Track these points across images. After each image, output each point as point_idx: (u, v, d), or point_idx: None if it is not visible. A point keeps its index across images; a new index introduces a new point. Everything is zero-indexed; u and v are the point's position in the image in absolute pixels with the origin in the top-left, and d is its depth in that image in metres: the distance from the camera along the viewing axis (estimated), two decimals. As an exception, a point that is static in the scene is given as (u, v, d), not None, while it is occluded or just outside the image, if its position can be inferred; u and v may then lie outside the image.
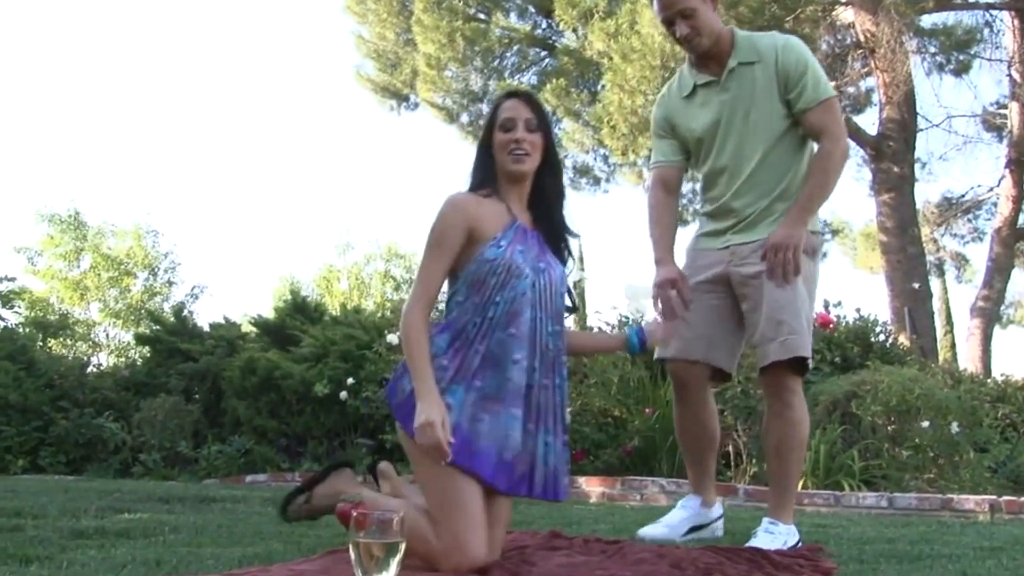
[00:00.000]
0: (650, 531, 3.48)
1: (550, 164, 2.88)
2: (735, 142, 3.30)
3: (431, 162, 55.85)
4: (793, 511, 3.33)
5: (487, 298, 2.67)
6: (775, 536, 3.15)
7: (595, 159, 16.16)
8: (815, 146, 3.34)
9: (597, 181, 16.30)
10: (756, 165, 3.28)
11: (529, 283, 2.70)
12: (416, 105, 16.89)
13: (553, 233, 2.89)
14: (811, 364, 3.30)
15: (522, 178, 2.82)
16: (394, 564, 1.66)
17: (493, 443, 2.59)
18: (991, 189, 17.29)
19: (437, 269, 2.70)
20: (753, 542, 3.13)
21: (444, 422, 2.50)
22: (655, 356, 3.54)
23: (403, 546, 1.68)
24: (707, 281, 3.35)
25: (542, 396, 2.69)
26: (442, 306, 2.86)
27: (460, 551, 2.44)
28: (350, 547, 1.69)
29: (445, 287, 2.81)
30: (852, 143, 15.45)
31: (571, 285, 2.93)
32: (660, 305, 3.32)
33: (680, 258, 3.49)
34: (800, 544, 3.18)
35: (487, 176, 2.83)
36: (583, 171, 16.31)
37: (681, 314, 3.28)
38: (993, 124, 16.72)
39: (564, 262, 2.90)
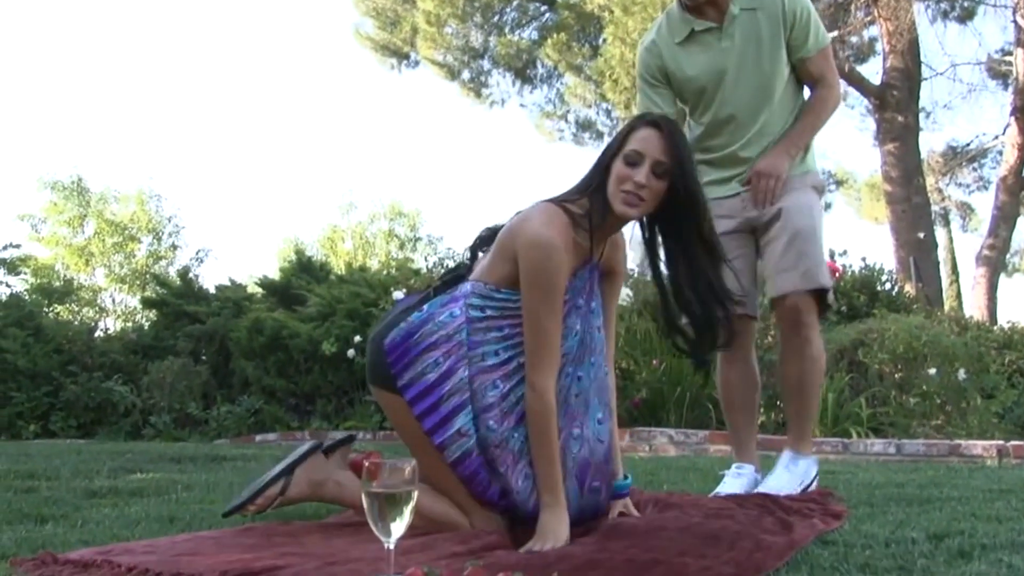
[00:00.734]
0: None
1: (673, 221, 2.43)
2: (743, 91, 3.21)
3: (433, 120, 55.58)
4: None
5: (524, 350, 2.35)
6: (792, 475, 3.16)
7: (598, 113, 16.06)
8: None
9: (600, 135, 16.20)
10: (765, 113, 3.22)
11: (577, 341, 2.41)
12: (416, 63, 16.77)
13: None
14: (832, 300, 3.26)
15: (623, 222, 2.45)
16: (407, 512, 1.66)
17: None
18: (996, 137, 17.18)
19: (554, 326, 2.31)
20: (771, 479, 3.14)
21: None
22: None
23: (416, 494, 1.68)
24: (727, 233, 3.14)
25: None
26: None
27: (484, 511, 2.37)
28: (363, 496, 1.69)
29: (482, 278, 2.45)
30: (856, 93, 15.36)
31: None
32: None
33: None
34: (817, 477, 3.25)
35: (597, 206, 2.39)
36: (585, 126, 16.22)
37: None
38: (998, 72, 16.58)
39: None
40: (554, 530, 2.23)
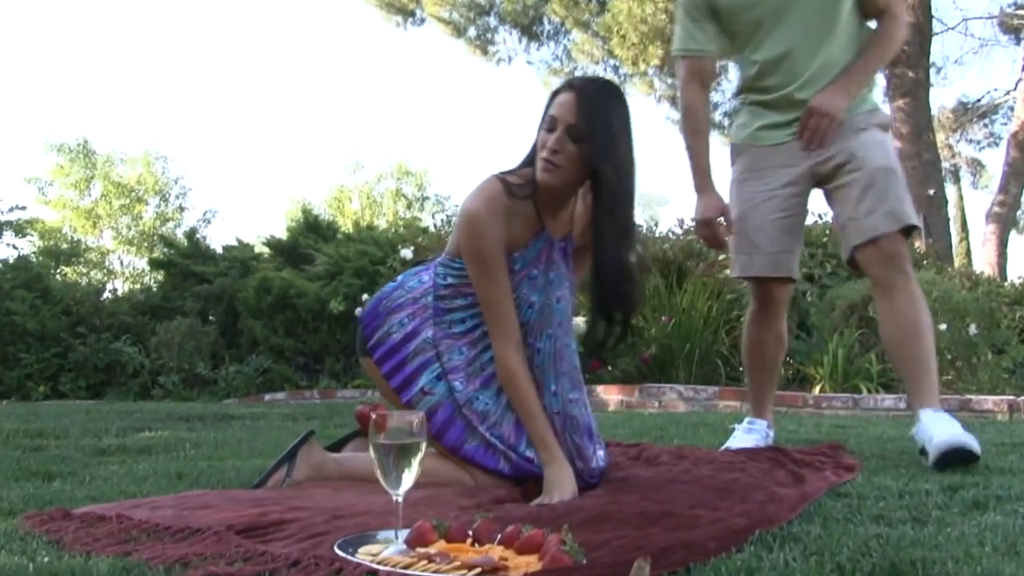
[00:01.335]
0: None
1: (603, 187, 2.34)
2: (803, 23, 2.91)
3: (439, 78, 55.24)
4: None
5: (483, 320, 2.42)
6: (945, 420, 2.75)
7: (605, 70, 15.86)
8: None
9: (607, 93, 16.06)
10: (826, 51, 2.93)
11: (535, 311, 2.42)
12: (423, 20, 16.59)
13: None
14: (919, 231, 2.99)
15: (549, 191, 2.38)
16: (416, 464, 1.64)
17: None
18: (1008, 93, 17.02)
19: (501, 294, 2.35)
20: (939, 430, 2.69)
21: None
22: (734, 274, 3.21)
23: (424, 445, 1.66)
24: (784, 186, 2.99)
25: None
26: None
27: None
28: (371, 449, 1.67)
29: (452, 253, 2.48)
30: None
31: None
32: (706, 241, 3.12)
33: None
34: None
35: (533, 167, 2.37)
36: (593, 83, 16.05)
37: (724, 245, 3.11)
38: (1010, 26, 16.38)
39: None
40: (559, 483, 2.25)
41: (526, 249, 2.40)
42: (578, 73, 15.67)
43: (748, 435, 3.19)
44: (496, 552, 1.54)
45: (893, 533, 1.70)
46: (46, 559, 1.58)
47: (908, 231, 2.89)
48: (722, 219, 3.01)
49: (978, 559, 1.48)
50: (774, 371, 3.28)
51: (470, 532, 1.62)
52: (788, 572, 1.45)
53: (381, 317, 2.49)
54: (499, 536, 1.60)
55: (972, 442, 2.59)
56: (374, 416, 1.67)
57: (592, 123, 2.29)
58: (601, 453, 2.48)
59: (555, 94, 2.36)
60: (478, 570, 1.43)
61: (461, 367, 2.42)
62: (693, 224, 3.16)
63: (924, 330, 2.86)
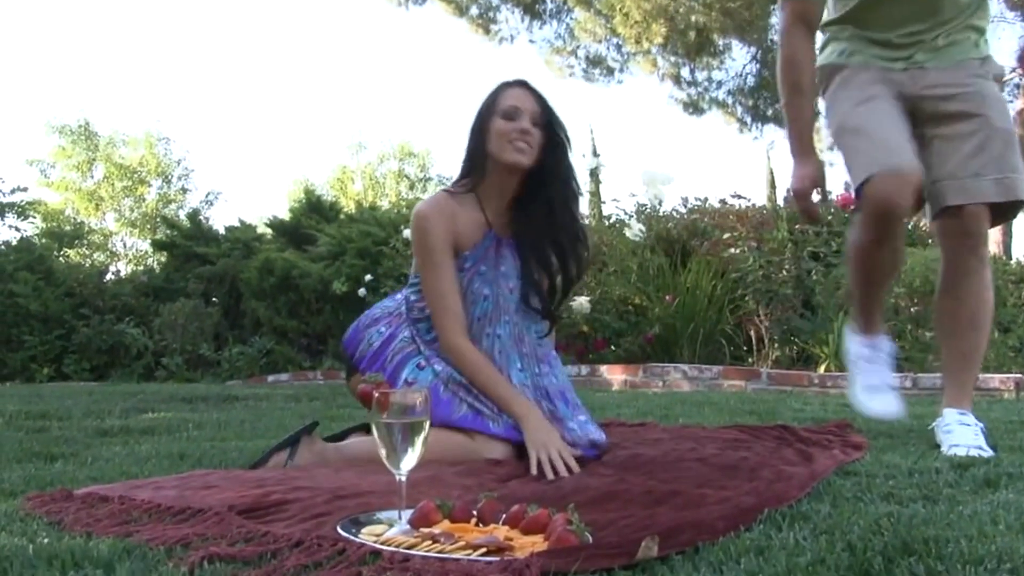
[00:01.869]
0: (875, 403, 2.84)
1: (553, 164, 2.58)
2: None
3: (441, 58, 55.07)
4: None
5: None
6: (970, 426, 2.58)
7: (608, 48, 15.77)
8: None
9: (611, 71, 15.95)
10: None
11: (490, 303, 2.59)
12: (424, -1, 16.49)
13: (537, 238, 2.62)
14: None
15: (517, 171, 2.56)
16: (419, 443, 1.62)
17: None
18: (1013, 70, 16.87)
19: (446, 286, 2.53)
20: (955, 441, 2.52)
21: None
22: (862, 177, 2.52)
23: (427, 424, 1.63)
24: (889, 98, 2.63)
25: None
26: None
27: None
28: (373, 428, 1.65)
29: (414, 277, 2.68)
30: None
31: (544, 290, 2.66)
32: (803, 214, 2.78)
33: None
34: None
35: (477, 167, 2.59)
36: (596, 61, 15.95)
37: (819, 218, 2.93)
38: (1017, 2, 16.23)
39: (549, 263, 2.63)
40: (541, 438, 2.35)
41: (475, 248, 2.59)
42: (580, 52, 15.60)
43: (880, 364, 2.92)
44: (501, 532, 1.52)
45: (904, 511, 1.68)
46: (46, 540, 1.56)
47: (1015, 209, 2.59)
48: (817, 192, 2.72)
49: (992, 537, 1.46)
50: (885, 289, 2.97)
51: (474, 512, 1.61)
52: (798, 551, 1.43)
53: (361, 332, 2.67)
54: (504, 516, 1.59)
55: (987, 451, 2.46)
56: (377, 395, 1.64)
57: (549, 112, 2.57)
58: (583, 418, 2.57)
59: (500, 91, 2.58)
60: (483, 550, 1.41)
61: (440, 354, 2.57)
62: (788, 194, 2.97)
63: (982, 324, 2.66)
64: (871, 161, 2.49)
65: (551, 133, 2.57)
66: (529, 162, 2.53)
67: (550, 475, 2.22)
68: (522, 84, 2.60)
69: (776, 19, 14.49)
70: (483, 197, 2.60)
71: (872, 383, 2.87)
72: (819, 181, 2.71)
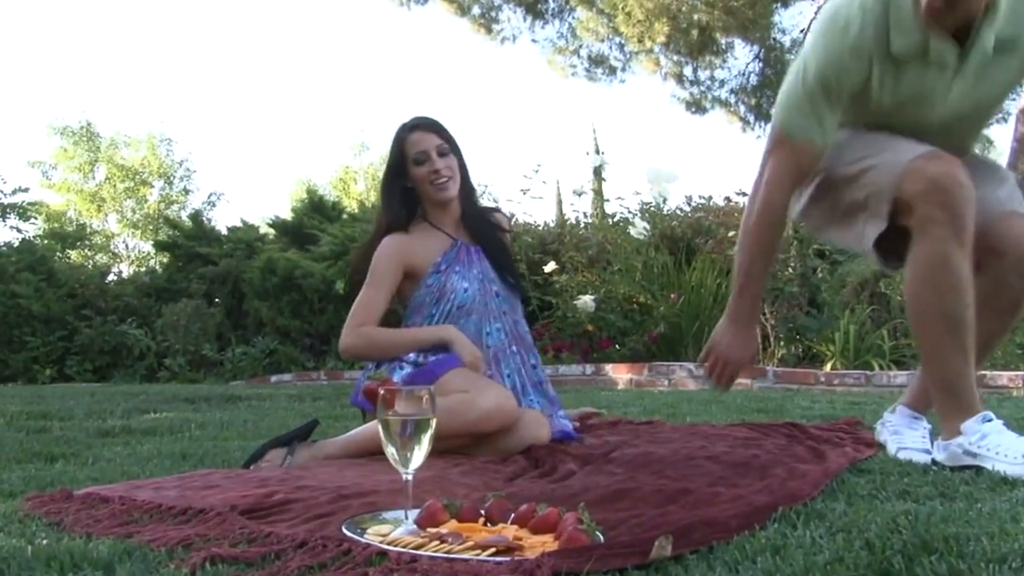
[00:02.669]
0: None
1: (466, 180, 2.97)
2: (953, 140, 2.29)
3: (443, 57, 55.07)
4: None
5: (425, 314, 2.88)
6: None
7: (610, 48, 15.70)
8: None
9: (613, 71, 15.88)
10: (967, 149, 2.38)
11: (470, 295, 2.87)
12: (426, -2, 16.45)
13: (490, 239, 3.00)
14: None
15: (450, 203, 2.94)
16: (426, 440, 1.58)
17: None
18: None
19: (375, 298, 2.84)
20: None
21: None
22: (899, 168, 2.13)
23: (434, 421, 1.60)
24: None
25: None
26: None
27: (498, 409, 2.57)
28: (379, 425, 1.61)
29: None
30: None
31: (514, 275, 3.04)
32: (723, 384, 2.46)
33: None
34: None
35: (411, 211, 2.96)
36: (598, 61, 15.88)
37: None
38: None
39: (507, 265, 3.00)
40: (469, 348, 2.75)
41: (445, 254, 2.90)
42: (583, 52, 15.55)
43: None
44: (510, 532, 1.49)
45: (922, 509, 1.64)
46: (45, 541, 1.54)
47: None
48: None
49: (1014, 535, 1.42)
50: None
51: (482, 511, 1.57)
52: (815, 549, 1.39)
53: (362, 375, 2.91)
54: (513, 515, 1.56)
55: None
56: (382, 392, 1.61)
57: (447, 137, 2.91)
58: (561, 413, 2.94)
59: (402, 141, 2.91)
60: (492, 550, 1.38)
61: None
62: (702, 361, 2.49)
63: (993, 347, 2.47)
64: (905, 152, 2.17)
65: (456, 153, 2.92)
66: (455, 193, 2.91)
67: (484, 371, 2.76)
68: (416, 126, 2.93)
69: (779, 17, 14.40)
70: (437, 223, 2.96)
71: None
72: (756, 356, 2.51)
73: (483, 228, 3.01)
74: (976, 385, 2.20)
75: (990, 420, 2.13)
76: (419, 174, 2.88)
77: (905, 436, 2.45)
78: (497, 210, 3.22)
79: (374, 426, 2.50)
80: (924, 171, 2.08)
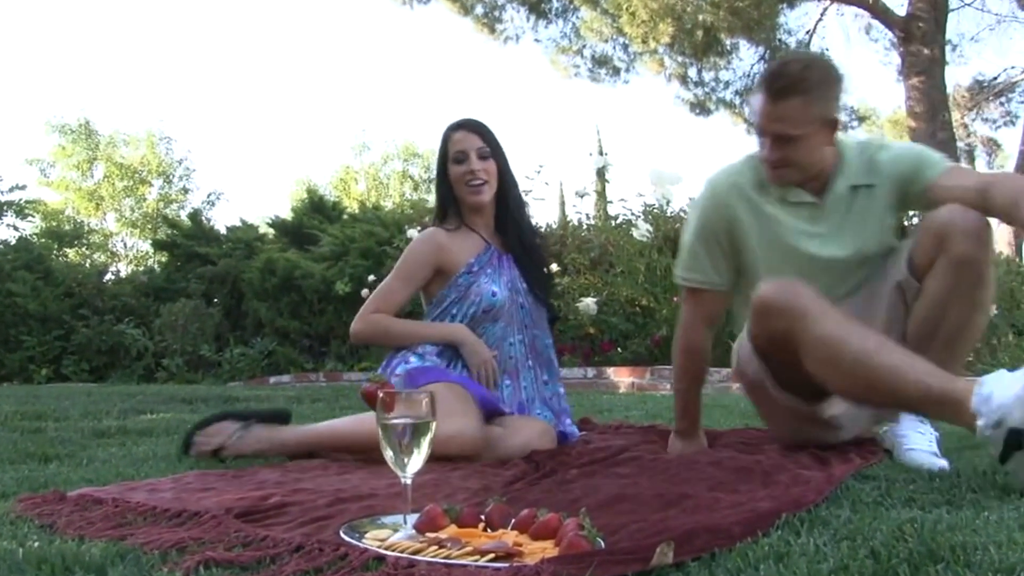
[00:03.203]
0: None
1: (506, 187, 2.95)
2: (848, 280, 2.52)
3: (446, 57, 55.13)
4: None
5: (446, 311, 2.87)
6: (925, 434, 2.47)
7: (614, 48, 15.71)
8: None
9: (617, 71, 15.88)
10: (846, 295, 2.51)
11: (499, 300, 2.85)
12: (429, -2, 16.43)
13: (524, 252, 2.98)
14: None
15: (482, 207, 2.93)
16: (425, 444, 1.56)
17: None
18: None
19: (399, 291, 2.87)
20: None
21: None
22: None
23: (434, 425, 1.58)
24: None
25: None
26: None
27: (458, 434, 2.46)
28: (379, 429, 1.59)
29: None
30: (880, 25, 15.05)
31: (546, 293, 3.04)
32: None
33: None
34: None
35: (450, 208, 2.96)
36: (602, 61, 15.89)
37: None
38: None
39: (539, 279, 3.00)
40: (479, 358, 2.78)
41: (479, 256, 2.89)
42: (586, 52, 15.55)
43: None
44: (510, 537, 1.47)
45: (928, 517, 1.62)
46: (36, 544, 1.52)
47: None
48: None
49: (1022, 545, 1.40)
50: None
51: (482, 516, 1.55)
52: (819, 557, 1.37)
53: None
54: (513, 520, 1.53)
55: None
56: (382, 394, 1.59)
57: (491, 140, 2.90)
58: (568, 421, 2.96)
59: (446, 140, 2.92)
60: (491, 556, 1.35)
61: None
62: None
63: None
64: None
65: (498, 158, 2.91)
66: (488, 197, 2.90)
67: (490, 385, 2.75)
68: (461, 125, 2.94)
69: (785, 18, 14.39)
70: (472, 226, 2.95)
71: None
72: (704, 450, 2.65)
73: (518, 238, 2.98)
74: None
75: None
76: (456, 173, 2.89)
77: (911, 438, 2.43)
78: (540, 235, 3.20)
79: (336, 424, 2.69)
80: (757, 305, 2.28)
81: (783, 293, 2.21)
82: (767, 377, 2.44)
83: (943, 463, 2.30)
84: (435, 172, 3.03)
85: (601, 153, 9.47)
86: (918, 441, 2.43)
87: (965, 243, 2.22)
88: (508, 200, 2.96)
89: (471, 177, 2.86)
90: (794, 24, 15.01)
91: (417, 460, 1.57)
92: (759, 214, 2.50)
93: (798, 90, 2.33)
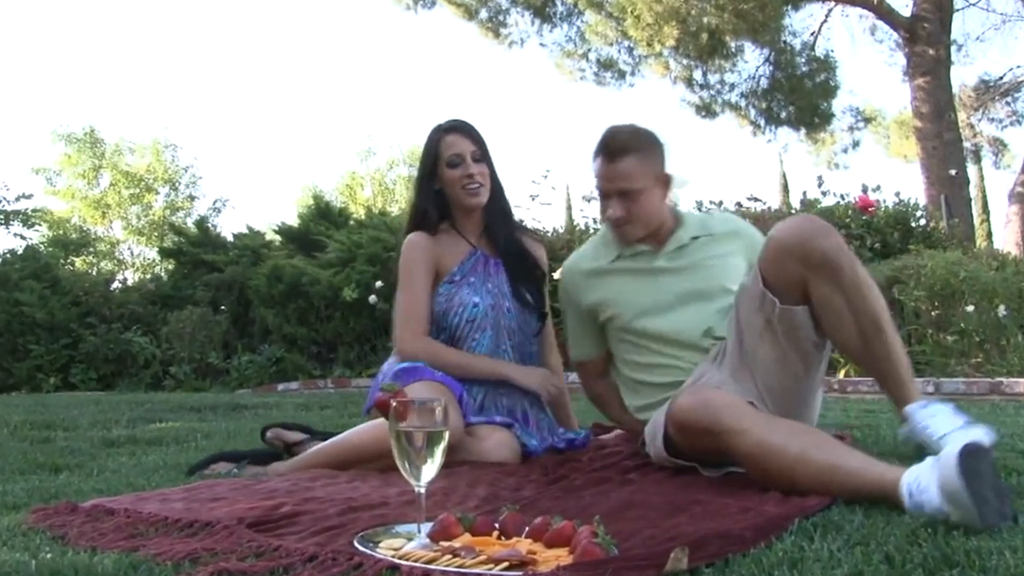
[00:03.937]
0: None
1: (496, 191, 2.94)
2: (701, 316, 2.66)
3: (450, 62, 55.15)
4: None
5: (436, 327, 2.86)
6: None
7: (619, 51, 15.67)
8: None
9: (622, 74, 15.84)
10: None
11: (481, 310, 2.84)
12: (433, 3, 16.33)
13: (512, 257, 2.95)
14: None
15: (478, 209, 2.91)
16: (439, 452, 1.55)
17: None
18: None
19: (423, 300, 2.84)
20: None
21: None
22: None
23: (447, 434, 1.57)
24: None
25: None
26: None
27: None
28: (392, 438, 1.58)
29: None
30: (885, 26, 15.01)
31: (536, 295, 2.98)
32: None
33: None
34: None
35: (440, 210, 2.93)
36: (607, 64, 15.85)
37: None
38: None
39: (527, 283, 2.95)
40: (535, 381, 2.85)
41: (462, 264, 2.88)
42: (591, 55, 15.53)
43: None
44: (524, 545, 1.47)
45: (942, 522, 1.60)
46: (49, 555, 1.52)
47: None
48: None
49: (1038, 549, 1.39)
50: None
51: (496, 525, 1.55)
52: (833, 563, 1.37)
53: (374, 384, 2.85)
54: (527, 529, 1.53)
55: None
56: (394, 403, 1.58)
57: (482, 144, 2.89)
58: (562, 430, 2.95)
59: (438, 141, 2.89)
60: (505, 564, 1.35)
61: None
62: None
63: None
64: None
65: (488, 162, 2.90)
66: (485, 199, 2.88)
67: (552, 385, 2.89)
68: (454, 127, 2.92)
69: (789, 20, 14.33)
70: (461, 229, 2.94)
71: None
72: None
73: (507, 242, 2.95)
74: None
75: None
76: (452, 177, 2.86)
77: (939, 419, 2.28)
78: (536, 238, 3.17)
79: (323, 447, 2.69)
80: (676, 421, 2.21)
81: (697, 410, 2.15)
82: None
83: (984, 433, 2.20)
84: (418, 174, 2.99)
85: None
86: (942, 423, 2.27)
87: (812, 244, 2.25)
88: (498, 204, 2.95)
89: (469, 180, 2.84)
90: (799, 26, 15.00)
91: (431, 469, 1.56)
92: (601, 274, 2.75)
93: (631, 149, 2.58)
